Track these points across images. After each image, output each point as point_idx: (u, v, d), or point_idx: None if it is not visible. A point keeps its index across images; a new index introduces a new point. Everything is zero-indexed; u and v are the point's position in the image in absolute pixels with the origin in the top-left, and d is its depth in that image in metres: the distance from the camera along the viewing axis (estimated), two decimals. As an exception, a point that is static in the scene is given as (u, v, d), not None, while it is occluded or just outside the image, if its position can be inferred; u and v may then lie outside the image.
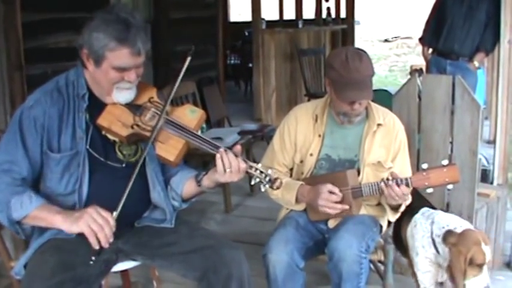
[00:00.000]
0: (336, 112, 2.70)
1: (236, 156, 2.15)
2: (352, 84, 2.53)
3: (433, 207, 2.82)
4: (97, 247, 1.99)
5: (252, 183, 2.19)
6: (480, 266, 2.52)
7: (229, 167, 2.13)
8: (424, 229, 2.67)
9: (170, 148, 2.19)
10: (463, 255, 2.50)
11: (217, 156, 2.15)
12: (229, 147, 2.20)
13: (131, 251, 2.33)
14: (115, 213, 2.05)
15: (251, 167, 2.15)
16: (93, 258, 1.99)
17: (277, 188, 2.16)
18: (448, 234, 2.58)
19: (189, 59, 2.23)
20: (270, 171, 2.16)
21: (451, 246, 2.54)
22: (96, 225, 1.99)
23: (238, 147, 2.20)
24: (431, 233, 2.64)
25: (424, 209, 2.77)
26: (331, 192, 2.55)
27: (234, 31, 10.99)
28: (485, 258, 2.52)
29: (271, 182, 2.14)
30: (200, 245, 2.27)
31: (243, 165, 2.14)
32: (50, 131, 2.19)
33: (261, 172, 2.14)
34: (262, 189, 2.22)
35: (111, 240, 2.02)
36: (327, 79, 2.66)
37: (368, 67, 2.59)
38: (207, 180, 2.27)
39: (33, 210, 2.08)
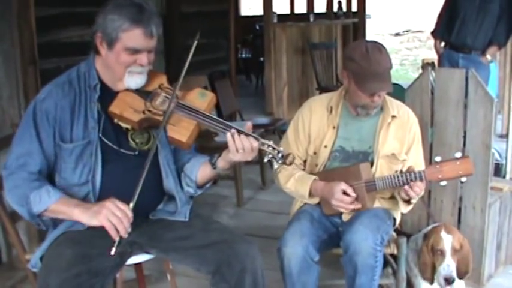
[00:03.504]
0: (354, 105, 2.70)
1: (248, 135, 2.16)
2: (374, 76, 2.54)
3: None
4: (117, 239, 2.02)
5: (265, 160, 2.19)
6: (442, 253, 2.69)
7: (241, 148, 2.15)
8: (413, 251, 2.87)
9: (182, 130, 2.21)
10: (426, 246, 2.72)
11: (229, 138, 2.16)
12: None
13: (146, 244, 2.34)
14: (131, 204, 2.07)
15: (263, 143, 2.16)
16: (113, 249, 2.02)
17: (290, 163, 2.16)
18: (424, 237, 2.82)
19: (195, 43, 2.25)
20: (282, 148, 2.16)
21: None
22: (116, 218, 2.03)
23: (249, 125, 2.21)
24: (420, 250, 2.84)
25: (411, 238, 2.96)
26: (344, 193, 2.57)
27: (245, 25, 10.99)
28: (444, 244, 2.68)
29: (284, 157, 2.14)
30: (214, 239, 2.27)
31: (255, 144, 2.15)
32: (62, 122, 2.21)
33: (274, 148, 2.15)
34: (276, 166, 2.22)
35: (130, 230, 2.06)
36: (346, 72, 2.66)
37: (387, 59, 2.60)
38: (222, 162, 2.29)
39: (52, 204, 2.11)
